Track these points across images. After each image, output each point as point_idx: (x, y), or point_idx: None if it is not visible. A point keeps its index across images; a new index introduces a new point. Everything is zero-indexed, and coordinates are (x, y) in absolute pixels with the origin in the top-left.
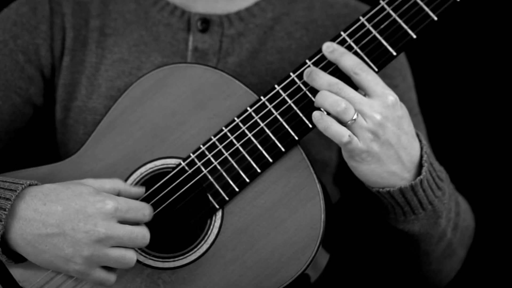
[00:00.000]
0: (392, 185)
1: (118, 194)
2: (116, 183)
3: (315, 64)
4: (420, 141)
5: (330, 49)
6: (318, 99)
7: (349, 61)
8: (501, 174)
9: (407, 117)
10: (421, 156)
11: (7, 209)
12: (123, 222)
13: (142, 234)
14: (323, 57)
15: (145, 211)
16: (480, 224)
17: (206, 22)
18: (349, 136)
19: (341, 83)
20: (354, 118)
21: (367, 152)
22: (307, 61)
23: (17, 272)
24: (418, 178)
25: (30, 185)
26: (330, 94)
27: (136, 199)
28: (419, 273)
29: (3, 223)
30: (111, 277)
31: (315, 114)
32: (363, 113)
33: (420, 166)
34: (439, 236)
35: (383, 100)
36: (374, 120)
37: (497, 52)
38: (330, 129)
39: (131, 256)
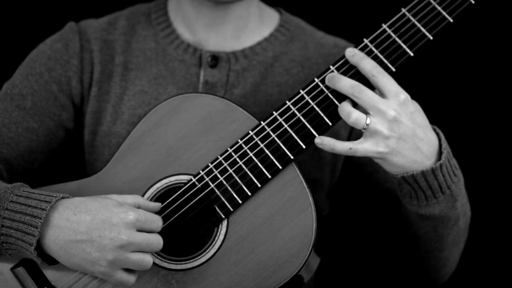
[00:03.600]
0: (415, 171)
1: (138, 207)
2: (137, 198)
3: (337, 70)
4: (437, 133)
5: (352, 53)
6: (339, 112)
7: (367, 65)
8: (501, 174)
9: (419, 112)
10: (440, 146)
11: (42, 218)
12: (140, 230)
13: (157, 241)
14: (343, 64)
15: (159, 222)
16: (478, 223)
17: (215, 59)
18: (350, 148)
19: (361, 85)
20: (367, 123)
21: (386, 149)
22: (331, 66)
23: (49, 273)
24: (438, 162)
25: (62, 197)
26: (344, 108)
27: (154, 212)
28: (429, 263)
29: (39, 229)
30: (131, 278)
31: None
32: (380, 111)
33: (439, 154)
34: (454, 220)
35: (396, 99)
36: (389, 117)
37: (497, 54)
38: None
39: (148, 259)
